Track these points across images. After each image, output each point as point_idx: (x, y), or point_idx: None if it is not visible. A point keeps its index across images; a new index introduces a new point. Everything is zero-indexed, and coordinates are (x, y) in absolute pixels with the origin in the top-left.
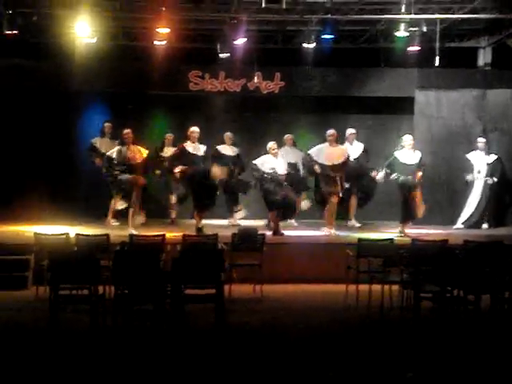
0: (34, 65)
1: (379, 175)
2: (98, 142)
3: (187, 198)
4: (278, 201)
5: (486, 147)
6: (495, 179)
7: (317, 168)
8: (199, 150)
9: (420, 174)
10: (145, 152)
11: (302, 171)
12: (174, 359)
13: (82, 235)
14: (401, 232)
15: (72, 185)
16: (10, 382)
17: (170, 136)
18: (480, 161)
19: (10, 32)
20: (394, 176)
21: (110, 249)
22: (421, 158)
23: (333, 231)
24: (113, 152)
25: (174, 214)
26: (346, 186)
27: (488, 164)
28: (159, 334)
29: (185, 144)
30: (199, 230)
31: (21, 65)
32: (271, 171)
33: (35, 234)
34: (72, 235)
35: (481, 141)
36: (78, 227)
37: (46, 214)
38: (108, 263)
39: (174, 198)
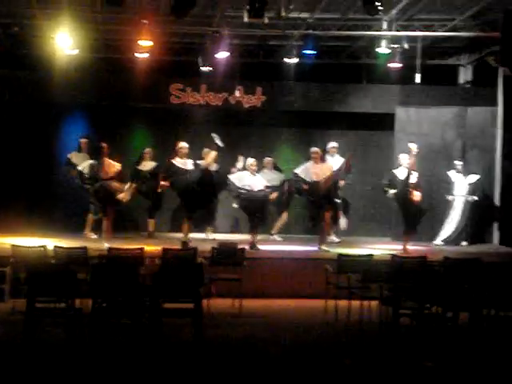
0: (14, 76)
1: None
2: (74, 157)
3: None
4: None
5: (463, 169)
6: (475, 198)
7: (305, 186)
8: (187, 164)
9: (418, 193)
10: (118, 166)
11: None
12: (152, 374)
13: (60, 248)
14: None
15: (50, 197)
16: None
17: (148, 150)
18: (460, 181)
19: None
20: (391, 192)
21: (87, 262)
22: (417, 178)
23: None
24: (84, 167)
25: (151, 227)
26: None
27: (469, 184)
28: (137, 349)
29: (173, 159)
30: (185, 243)
31: (0, 76)
32: (247, 188)
33: (12, 245)
34: (50, 247)
35: (458, 163)
36: (55, 239)
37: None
38: (86, 276)
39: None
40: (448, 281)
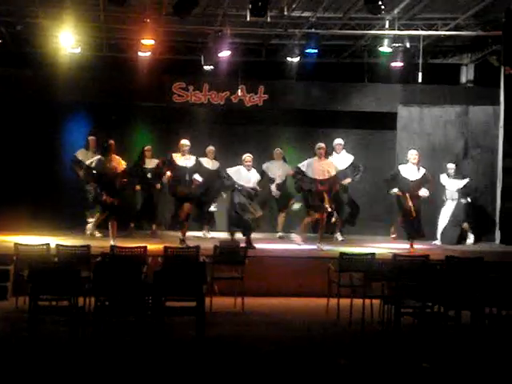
0: (17, 74)
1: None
2: (81, 155)
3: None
4: (245, 219)
5: (455, 173)
6: (469, 200)
7: (304, 186)
8: (188, 162)
9: (423, 191)
10: (124, 164)
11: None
12: (154, 372)
13: (63, 246)
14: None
15: (55, 195)
16: None
17: (148, 148)
18: (451, 185)
19: None
20: (393, 191)
21: (90, 260)
22: (424, 175)
23: (319, 245)
24: (92, 162)
25: (154, 226)
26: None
27: (460, 188)
28: (139, 347)
29: (174, 155)
30: (183, 241)
31: (4, 74)
32: (242, 184)
33: (15, 244)
34: (53, 246)
35: (450, 167)
36: (59, 238)
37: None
38: (89, 274)
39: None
40: (450, 280)
